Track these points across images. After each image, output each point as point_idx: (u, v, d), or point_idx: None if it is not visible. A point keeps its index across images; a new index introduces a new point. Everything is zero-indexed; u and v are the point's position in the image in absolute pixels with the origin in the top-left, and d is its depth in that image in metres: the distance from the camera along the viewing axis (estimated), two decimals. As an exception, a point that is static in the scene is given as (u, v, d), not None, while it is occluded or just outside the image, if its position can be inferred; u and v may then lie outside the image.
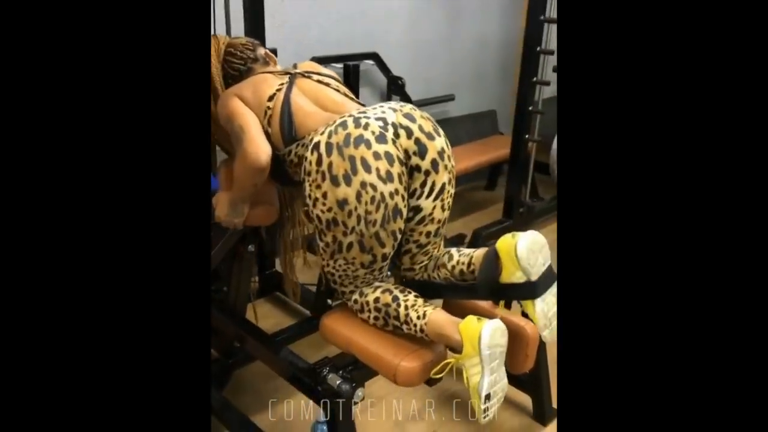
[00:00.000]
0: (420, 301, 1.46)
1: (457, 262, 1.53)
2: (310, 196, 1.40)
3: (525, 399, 1.97)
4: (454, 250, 1.57)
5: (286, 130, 1.52)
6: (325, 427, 1.54)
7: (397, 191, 1.36)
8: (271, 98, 1.55)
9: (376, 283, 1.53)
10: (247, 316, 1.95)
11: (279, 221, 1.88)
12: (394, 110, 1.42)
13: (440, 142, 1.43)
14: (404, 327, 1.45)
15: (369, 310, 1.50)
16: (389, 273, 1.59)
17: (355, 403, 1.37)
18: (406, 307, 1.44)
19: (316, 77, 1.65)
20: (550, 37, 2.83)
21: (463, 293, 1.56)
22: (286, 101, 1.54)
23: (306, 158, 1.40)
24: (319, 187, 1.37)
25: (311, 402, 1.55)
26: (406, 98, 3.08)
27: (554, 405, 1.96)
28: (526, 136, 2.95)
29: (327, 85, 1.64)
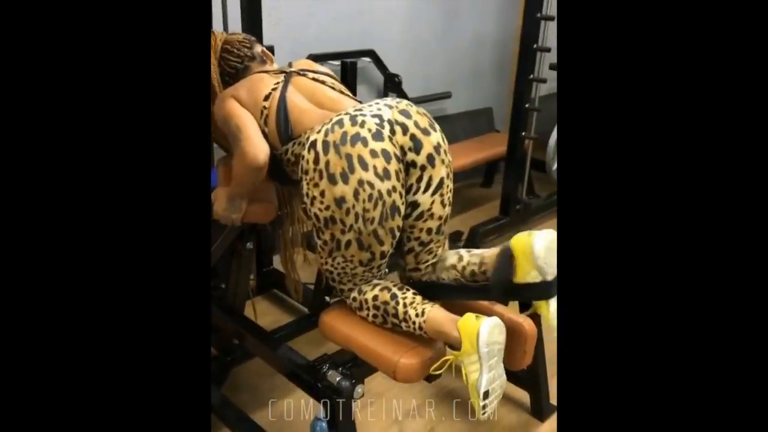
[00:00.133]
0: (418, 298, 1.47)
1: (468, 263, 1.51)
2: (307, 194, 1.40)
3: (523, 395, 1.97)
4: (463, 251, 1.56)
5: (283, 129, 1.52)
6: (324, 424, 1.55)
7: (394, 188, 1.36)
8: (266, 98, 1.56)
9: (375, 281, 1.53)
10: (246, 313, 1.95)
11: (278, 218, 1.88)
12: (390, 107, 1.42)
13: (436, 137, 1.43)
14: (403, 325, 1.45)
15: (368, 308, 1.50)
16: (387, 271, 1.59)
17: (355, 400, 1.38)
18: (405, 305, 1.45)
19: (311, 75, 1.65)
20: (547, 34, 2.83)
21: (474, 294, 1.54)
22: (282, 100, 1.55)
23: (303, 157, 1.40)
24: (316, 185, 1.37)
25: (311, 400, 1.56)
26: (403, 95, 3.08)
27: (552, 401, 1.97)
28: (523, 133, 2.96)
29: (323, 82, 1.64)
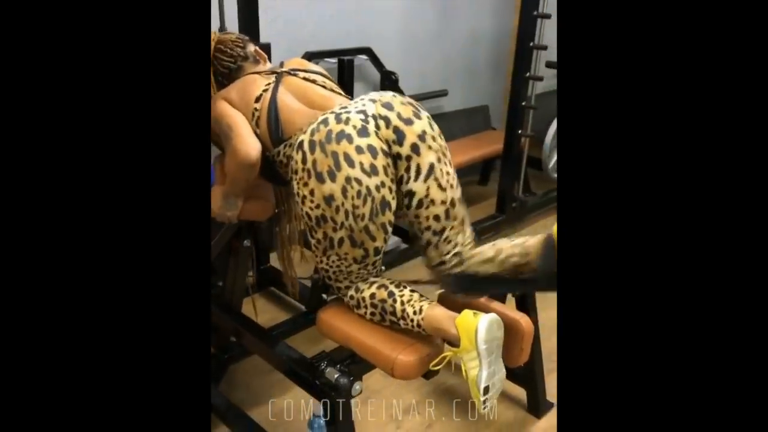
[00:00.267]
0: (416, 295, 1.47)
1: (509, 255, 1.45)
2: (298, 194, 1.41)
3: (519, 392, 1.98)
4: (501, 242, 1.50)
5: (273, 131, 1.52)
6: (322, 421, 1.55)
7: (383, 184, 1.36)
8: (257, 99, 1.56)
9: (372, 279, 1.53)
10: (245, 311, 1.96)
11: (275, 216, 1.88)
12: (374, 101, 1.43)
13: (420, 124, 1.42)
14: (401, 322, 1.46)
15: (365, 306, 1.51)
16: (384, 268, 1.59)
17: (353, 397, 1.38)
18: (402, 303, 1.45)
19: (302, 75, 1.65)
20: (543, 32, 2.84)
21: (520, 286, 1.50)
22: (273, 101, 1.54)
23: (292, 158, 1.42)
24: (306, 184, 1.38)
25: (310, 399, 1.56)
26: (399, 93, 3.08)
27: (549, 398, 1.98)
28: (519, 131, 2.96)
29: (313, 81, 1.63)
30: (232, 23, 2.19)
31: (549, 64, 2.99)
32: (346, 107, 1.43)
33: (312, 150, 1.37)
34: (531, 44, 2.82)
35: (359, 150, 1.34)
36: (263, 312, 2.39)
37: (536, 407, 1.94)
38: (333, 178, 1.34)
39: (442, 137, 1.47)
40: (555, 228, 1.34)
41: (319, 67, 1.78)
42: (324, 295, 2.14)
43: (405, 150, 1.39)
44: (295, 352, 1.60)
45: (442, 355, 1.43)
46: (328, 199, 1.36)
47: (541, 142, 3.38)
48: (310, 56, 2.72)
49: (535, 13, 2.77)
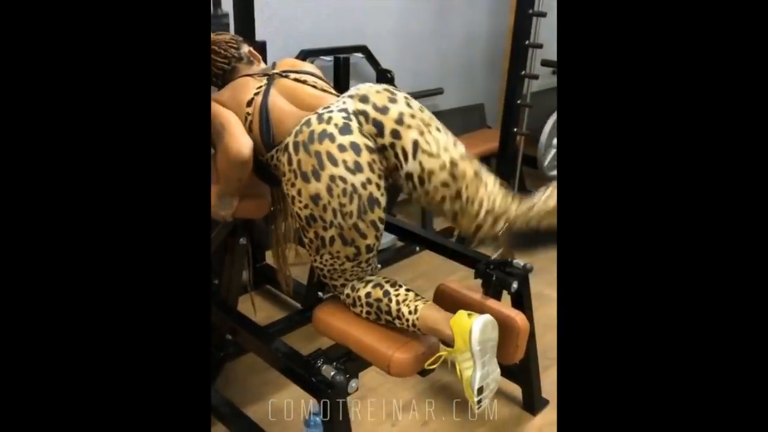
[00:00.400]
0: (411, 295, 1.48)
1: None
2: (288, 195, 1.43)
3: (515, 389, 1.99)
4: (543, 191, 1.42)
5: (265, 136, 1.52)
6: (318, 419, 1.55)
7: (369, 180, 1.37)
8: (249, 103, 1.55)
9: (368, 277, 1.54)
10: (242, 308, 1.96)
11: (271, 214, 1.88)
12: (352, 97, 1.43)
13: (396, 108, 1.40)
14: (396, 322, 1.46)
15: (361, 305, 1.51)
16: (379, 266, 1.60)
17: (349, 394, 1.39)
18: (398, 302, 1.46)
19: (293, 76, 1.64)
20: (539, 30, 2.84)
21: None
22: (264, 106, 1.53)
23: (281, 160, 1.43)
24: (293, 185, 1.40)
25: (306, 398, 1.56)
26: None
27: (544, 395, 1.98)
28: (515, 129, 2.97)
29: (304, 82, 1.63)
30: (228, 20, 2.18)
31: (544, 63, 3.00)
32: (329, 107, 1.44)
33: (296, 151, 1.39)
34: (526, 42, 2.82)
35: (342, 148, 1.35)
36: (260, 310, 2.39)
37: (531, 404, 1.95)
38: (318, 178, 1.35)
39: (424, 110, 1.44)
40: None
41: (312, 66, 1.78)
42: (320, 293, 2.14)
43: (387, 139, 1.39)
44: (291, 349, 1.60)
45: (437, 354, 1.43)
46: (315, 198, 1.36)
47: (536, 141, 3.39)
48: (306, 54, 2.72)
49: (531, 11, 2.77)
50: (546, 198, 1.41)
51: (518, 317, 1.53)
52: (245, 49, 1.77)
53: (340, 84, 2.73)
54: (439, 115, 3.80)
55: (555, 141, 3.43)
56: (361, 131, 1.38)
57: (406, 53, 3.37)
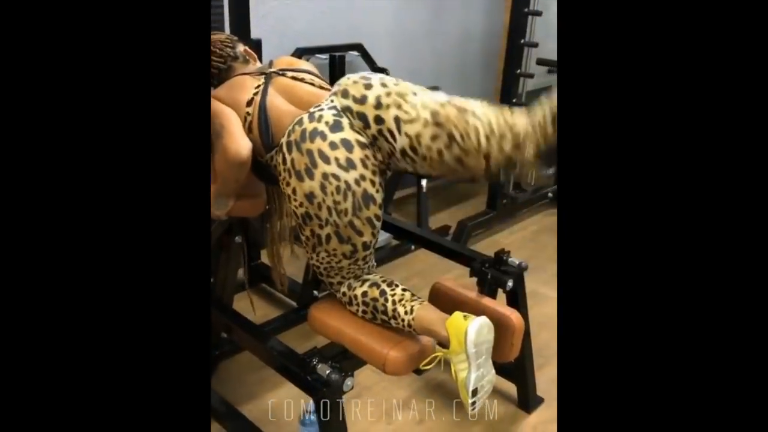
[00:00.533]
0: (407, 294, 1.48)
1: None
2: (285, 193, 1.44)
3: (510, 387, 1.99)
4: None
5: (265, 137, 1.51)
6: (313, 417, 1.55)
7: (363, 177, 1.36)
8: (249, 103, 1.55)
9: (364, 276, 1.54)
10: (237, 306, 1.95)
11: (266, 213, 1.88)
12: (335, 94, 1.43)
13: (372, 94, 1.39)
14: (392, 322, 1.46)
15: (357, 304, 1.51)
16: (375, 264, 1.60)
17: (344, 393, 1.39)
18: (394, 302, 1.46)
19: (290, 74, 1.64)
20: (534, 29, 2.85)
21: None
22: (263, 106, 1.53)
23: (277, 160, 1.44)
24: (288, 184, 1.40)
25: (298, 395, 1.56)
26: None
27: (539, 393, 1.99)
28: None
29: (301, 80, 1.63)
30: (224, 18, 2.18)
31: (540, 61, 3.00)
32: (319, 105, 1.44)
33: (290, 150, 1.39)
34: (522, 41, 2.83)
35: (333, 146, 1.35)
36: (255, 308, 2.39)
37: (526, 402, 1.96)
38: (311, 176, 1.35)
39: (399, 82, 1.43)
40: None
41: (308, 64, 1.78)
42: (315, 292, 2.14)
43: (374, 128, 1.38)
44: (287, 348, 1.60)
45: (433, 355, 1.43)
46: (309, 197, 1.36)
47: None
48: (301, 53, 2.71)
49: (526, 10, 2.78)
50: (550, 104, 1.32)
51: (513, 315, 1.54)
52: (240, 48, 1.76)
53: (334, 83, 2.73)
54: (434, 113, 3.77)
55: (550, 140, 3.43)
56: (352, 127, 1.38)
57: (402, 51, 3.37)
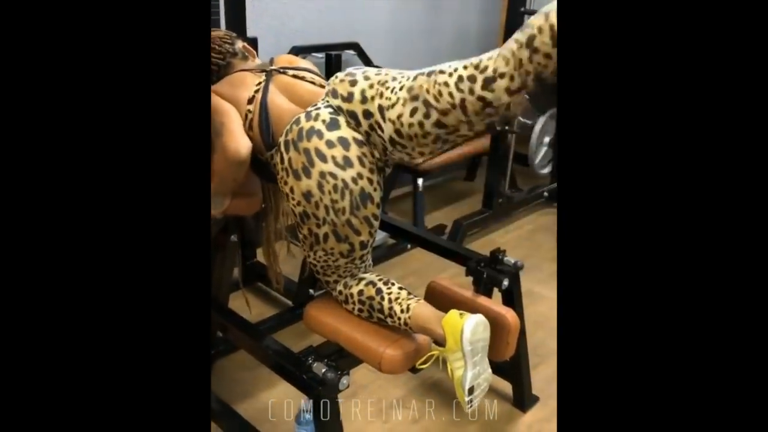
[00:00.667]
0: (404, 293, 1.48)
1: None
2: (283, 192, 1.44)
3: (505, 386, 2.00)
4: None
5: (266, 136, 1.51)
6: (309, 416, 1.55)
7: (360, 175, 1.36)
8: (250, 101, 1.55)
9: (361, 275, 1.54)
10: (233, 305, 1.95)
11: (262, 211, 1.88)
12: (328, 94, 1.44)
13: (358, 90, 1.38)
14: (388, 320, 1.46)
15: (353, 303, 1.51)
16: (372, 263, 1.60)
17: (340, 391, 1.39)
18: (390, 300, 1.46)
19: (291, 72, 1.64)
20: (530, 29, 2.85)
21: None
22: (263, 105, 1.52)
23: (275, 159, 1.44)
24: (286, 183, 1.41)
25: (294, 394, 1.56)
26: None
27: (534, 392, 1.99)
28: (506, 127, 2.98)
29: (302, 78, 1.63)
30: (219, 17, 2.18)
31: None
32: (316, 104, 1.44)
33: (287, 149, 1.39)
34: (518, 41, 2.83)
35: (330, 144, 1.35)
36: (251, 307, 2.39)
37: (522, 401, 1.96)
38: (308, 175, 1.35)
39: (381, 71, 1.41)
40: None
41: (309, 63, 1.78)
42: (311, 290, 2.14)
43: (365, 124, 1.38)
44: (282, 346, 1.60)
45: (429, 353, 1.44)
46: (307, 195, 1.37)
47: (527, 139, 3.40)
48: (298, 51, 2.71)
49: (522, 9, 2.78)
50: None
51: (509, 314, 1.54)
52: (240, 44, 1.76)
53: (332, 81, 2.73)
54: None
55: (546, 139, 3.44)
56: (348, 125, 1.38)
57: (398, 50, 3.38)
